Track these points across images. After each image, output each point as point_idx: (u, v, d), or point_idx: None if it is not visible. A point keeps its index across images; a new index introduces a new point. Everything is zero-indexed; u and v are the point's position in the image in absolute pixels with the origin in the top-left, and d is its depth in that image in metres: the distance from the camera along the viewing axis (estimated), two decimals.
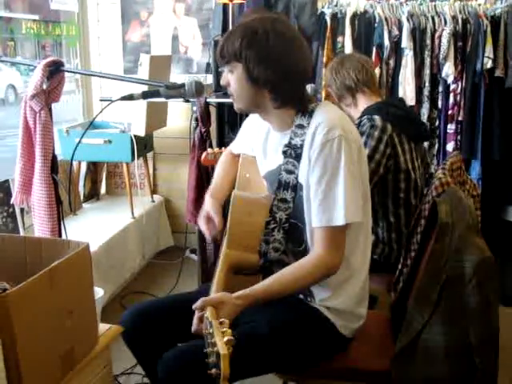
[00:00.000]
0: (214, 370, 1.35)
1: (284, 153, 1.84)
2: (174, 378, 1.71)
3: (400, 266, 2.35)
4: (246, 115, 2.18)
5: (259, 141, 2.05)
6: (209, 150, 3.08)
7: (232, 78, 1.84)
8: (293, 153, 1.82)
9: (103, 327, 1.93)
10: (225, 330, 1.41)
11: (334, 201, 1.73)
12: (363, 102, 2.64)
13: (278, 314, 1.85)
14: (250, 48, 1.75)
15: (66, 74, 2.28)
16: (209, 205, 2.11)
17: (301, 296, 1.94)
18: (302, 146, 1.80)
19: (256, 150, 2.10)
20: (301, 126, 1.82)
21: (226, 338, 1.38)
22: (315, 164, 1.75)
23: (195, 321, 1.63)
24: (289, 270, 1.78)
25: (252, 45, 1.75)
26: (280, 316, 1.85)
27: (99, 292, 2.32)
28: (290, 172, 1.83)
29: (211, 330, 1.42)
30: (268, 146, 1.99)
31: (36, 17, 4.87)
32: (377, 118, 2.47)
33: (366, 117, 2.50)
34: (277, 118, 1.89)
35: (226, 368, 1.32)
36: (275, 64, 1.76)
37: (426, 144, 3.91)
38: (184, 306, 1.73)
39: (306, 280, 1.79)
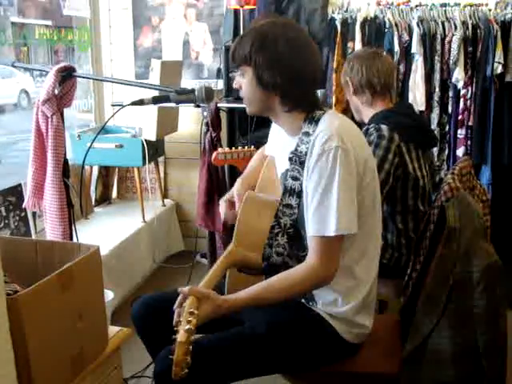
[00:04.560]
0: (173, 356, 1.41)
1: (290, 159, 1.85)
2: (165, 377, 1.69)
3: (409, 271, 2.35)
4: (258, 120, 2.19)
5: (277, 143, 2.07)
6: (219, 149, 3.08)
7: (243, 81, 1.86)
8: (297, 160, 1.83)
9: (113, 330, 1.95)
10: (191, 319, 1.45)
11: (326, 211, 1.73)
12: (380, 106, 2.61)
13: (277, 314, 1.86)
14: (260, 53, 1.77)
15: (78, 80, 2.31)
16: (237, 187, 2.15)
17: (302, 300, 1.94)
18: (306, 153, 1.81)
19: (275, 152, 2.12)
20: (307, 134, 1.82)
21: (187, 327, 1.43)
22: (311, 173, 1.76)
23: (178, 302, 1.68)
24: (277, 278, 1.79)
25: (262, 49, 1.77)
26: (279, 316, 1.87)
27: (109, 295, 2.34)
28: (295, 178, 1.84)
29: (181, 318, 1.49)
30: (281, 149, 2.00)
31: (49, 22, 4.91)
32: (384, 127, 2.45)
33: (372, 126, 2.49)
34: (286, 122, 1.90)
35: (179, 355, 1.39)
36: (284, 69, 1.77)
37: (435, 149, 3.90)
38: None
39: (295, 289, 1.80)
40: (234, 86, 1.92)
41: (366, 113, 2.64)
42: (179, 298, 1.69)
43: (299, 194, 1.83)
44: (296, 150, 1.84)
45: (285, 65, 1.77)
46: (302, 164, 1.82)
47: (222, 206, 2.16)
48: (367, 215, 1.82)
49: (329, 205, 1.72)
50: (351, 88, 2.66)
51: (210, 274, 1.80)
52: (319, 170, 1.73)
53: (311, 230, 1.77)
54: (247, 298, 1.74)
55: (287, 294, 1.80)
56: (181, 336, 1.41)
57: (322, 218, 1.73)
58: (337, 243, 1.77)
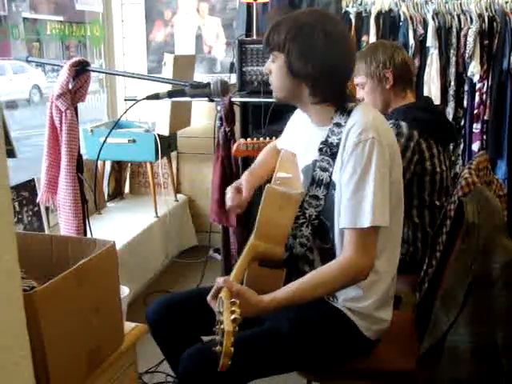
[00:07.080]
0: (218, 348, 1.37)
1: (320, 150, 1.85)
2: (190, 377, 1.73)
3: (425, 267, 2.33)
4: (272, 114, 2.18)
5: (301, 134, 2.05)
6: (241, 140, 3.07)
7: (273, 67, 1.86)
8: (328, 150, 1.82)
9: (129, 326, 1.94)
10: (234, 309, 1.42)
11: (361, 202, 1.71)
12: (408, 99, 2.58)
13: (299, 312, 1.83)
14: (294, 41, 1.77)
15: (91, 75, 2.30)
16: (244, 178, 2.15)
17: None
18: (338, 144, 1.80)
19: (297, 143, 2.10)
20: (338, 125, 1.82)
21: (232, 316, 1.39)
22: (346, 164, 1.75)
23: (212, 291, 1.66)
24: (312, 275, 1.76)
25: (296, 38, 1.77)
26: (301, 314, 1.85)
27: (125, 290, 2.33)
28: (324, 169, 1.83)
29: (222, 309, 1.45)
30: (307, 139, 1.99)
31: (61, 18, 4.91)
32: (403, 124, 2.41)
33: (391, 122, 2.44)
34: (315, 112, 1.89)
35: (229, 345, 1.35)
36: (316, 61, 1.76)
37: (451, 144, 3.87)
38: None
39: (335, 284, 1.77)
40: (264, 70, 1.92)
41: (396, 106, 2.57)
42: (213, 288, 1.66)
43: (327, 186, 1.82)
44: (326, 140, 1.83)
45: (318, 57, 1.76)
46: (332, 155, 1.81)
47: (229, 192, 2.14)
48: (391, 211, 1.79)
49: (364, 195, 1.71)
50: (391, 80, 2.52)
51: (237, 268, 1.77)
52: (354, 160, 1.72)
53: (344, 222, 1.75)
54: (283, 298, 1.69)
55: (323, 291, 1.77)
56: (228, 325, 1.36)
57: (356, 209, 1.72)
58: (373, 235, 1.75)
